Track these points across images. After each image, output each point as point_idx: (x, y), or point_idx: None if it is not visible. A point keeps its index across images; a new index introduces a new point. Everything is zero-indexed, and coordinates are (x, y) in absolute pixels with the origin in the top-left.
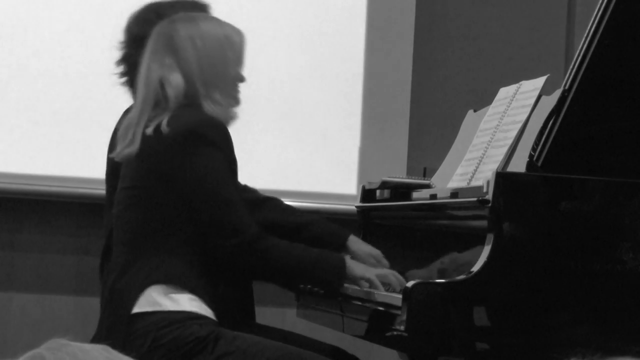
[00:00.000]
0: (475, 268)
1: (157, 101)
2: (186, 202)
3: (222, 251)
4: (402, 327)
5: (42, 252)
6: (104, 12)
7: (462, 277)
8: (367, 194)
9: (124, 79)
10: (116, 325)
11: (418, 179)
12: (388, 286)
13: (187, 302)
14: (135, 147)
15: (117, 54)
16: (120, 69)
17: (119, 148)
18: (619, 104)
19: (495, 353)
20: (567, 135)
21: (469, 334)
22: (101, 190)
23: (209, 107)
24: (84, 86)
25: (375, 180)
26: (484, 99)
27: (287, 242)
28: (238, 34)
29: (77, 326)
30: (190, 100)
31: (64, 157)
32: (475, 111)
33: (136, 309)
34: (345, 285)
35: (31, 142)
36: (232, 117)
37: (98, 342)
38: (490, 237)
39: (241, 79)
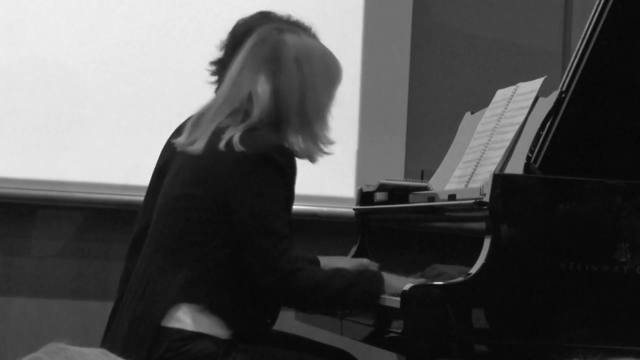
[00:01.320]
0: (473, 270)
1: (237, 109)
2: (234, 223)
3: (258, 284)
4: (401, 330)
5: (40, 256)
6: (104, 14)
7: (460, 279)
8: (364, 197)
9: (213, 79)
10: (142, 334)
11: (416, 181)
12: None
13: (207, 325)
14: (198, 148)
15: (216, 53)
16: (213, 68)
17: (182, 137)
18: (616, 105)
19: (494, 355)
20: (564, 137)
21: (468, 336)
22: (100, 195)
23: (293, 140)
24: (82, 90)
25: (372, 183)
26: (481, 101)
27: (323, 272)
28: (340, 66)
29: (76, 330)
30: (273, 122)
31: (63, 162)
32: (472, 113)
33: (162, 323)
34: None
35: (30, 146)
36: (315, 157)
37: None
38: (488, 239)
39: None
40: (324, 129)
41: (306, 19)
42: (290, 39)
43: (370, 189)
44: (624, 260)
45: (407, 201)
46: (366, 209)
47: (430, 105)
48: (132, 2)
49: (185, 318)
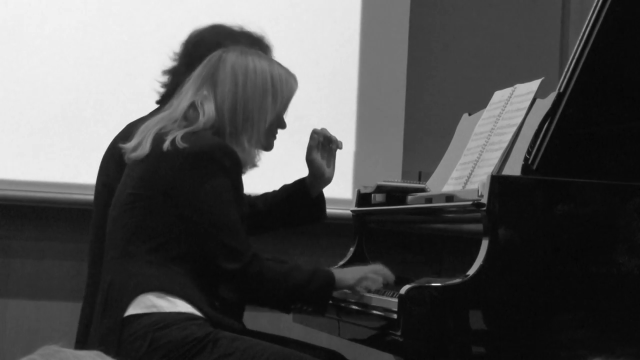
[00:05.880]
0: (471, 271)
1: (177, 118)
2: (186, 220)
3: (221, 274)
4: (398, 332)
5: (38, 258)
6: (107, 16)
7: (457, 280)
8: (362, 198)
9: (162, 90)
10: (109, 329)
11: (413, 182)
12: (385, 289)
13: (182, 304)
14: (141, 153)
15: (169, 63)
16: (164, 79)
17: (129, 144)
18: (614, 107)
19: (491, 356)
20: (561, 138)
21: (465, 338)
22: None
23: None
24: (80, 93)
25: (370, 185)
26: (478, 103)
27: (280, 264)
28: (288, 80)
29: (74, 332)
30: (216, 132)
31: (60, 163)
32: (470, 114)
33: (131, 311)
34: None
35: (28, 148)
36: (252, 163)
37: (89, 347)
38: (485, 240)
39: (281, 126)
40: (253, 141)
41: (303, 21)
42: (231, 56)
43: (368, 191)
44: (622, 261)
45: (404, 202)
46: (364, 210)
47: (428, 106)
48: (136, 5)
49: (157, 301)
